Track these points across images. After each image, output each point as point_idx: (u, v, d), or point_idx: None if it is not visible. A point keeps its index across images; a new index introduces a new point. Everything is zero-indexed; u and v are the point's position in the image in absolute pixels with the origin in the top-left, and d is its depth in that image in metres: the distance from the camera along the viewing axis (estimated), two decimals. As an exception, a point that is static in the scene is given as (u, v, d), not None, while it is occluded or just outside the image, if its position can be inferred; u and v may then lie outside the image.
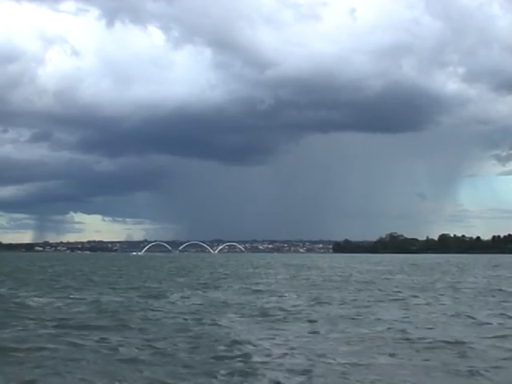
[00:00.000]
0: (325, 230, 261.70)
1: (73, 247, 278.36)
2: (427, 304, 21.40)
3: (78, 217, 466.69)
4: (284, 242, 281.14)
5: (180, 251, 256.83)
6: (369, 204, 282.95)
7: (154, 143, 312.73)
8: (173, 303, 21.70)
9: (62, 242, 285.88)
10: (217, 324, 15.82)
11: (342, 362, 11.04)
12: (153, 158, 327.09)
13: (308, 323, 16.07)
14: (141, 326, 15.38)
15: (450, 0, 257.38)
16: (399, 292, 26.90)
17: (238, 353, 11.81)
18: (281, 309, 19.43)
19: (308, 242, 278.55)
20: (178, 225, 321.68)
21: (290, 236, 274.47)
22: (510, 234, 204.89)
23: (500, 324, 16.07)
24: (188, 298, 23.95)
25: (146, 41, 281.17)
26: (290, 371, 10.33)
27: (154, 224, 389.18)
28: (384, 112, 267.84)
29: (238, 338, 13.44)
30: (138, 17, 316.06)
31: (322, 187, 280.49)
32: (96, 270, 54.92)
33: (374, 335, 13.92)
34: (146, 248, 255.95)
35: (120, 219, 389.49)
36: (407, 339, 13.33)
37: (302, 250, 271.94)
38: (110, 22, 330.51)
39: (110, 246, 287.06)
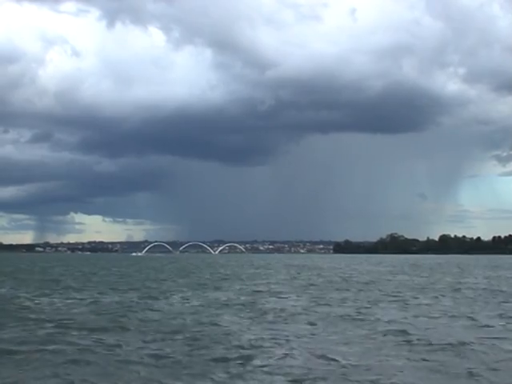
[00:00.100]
0: (325, 230, 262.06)
1: (73, 248, 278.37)
2: (428, 305, 21.39)
3: (79, 217, 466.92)
4: (284, 242, 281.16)
5: (180, 252, 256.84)
6: (369, 204, 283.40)
7: (155, 144, 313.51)
8: (173, 304, 21.68)
9: (62, 243, 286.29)
10: (217, 324, 15.81)
11: (343, 362, 11.02)
12: (153, 158, 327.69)
13: (308, 324, 16.05)
14: (140, 327, 15.36)
15: (450, 0, 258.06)
16: (399, 293, 26.87)
17: (238, 354, 11.79)
18: (281, 309, 19.41)
19: (308, 242, 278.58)
20: (179, 225, 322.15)
21: (291, 236, 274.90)
22: (510, 235, 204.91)
23: (501, 325, 16.03)
24: (188, 298, 23.93)
25: (146, 41, 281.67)
26: (290, 373, 10.32)
27: (155, 225, 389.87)
28: (384, 112, 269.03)
29: (237, 339, 13.43)
30: (139, 17, 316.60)
31: (323, 188, 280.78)
32: (96, 271, 54.91)
33: (374, 336, 13.91)
34: (146, 249, 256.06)
35: (120, 220, 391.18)
36: (407, 341, 13.29)
37: (302, 251, 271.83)
38: (111, 23, 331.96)
39: (110, 246, 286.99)
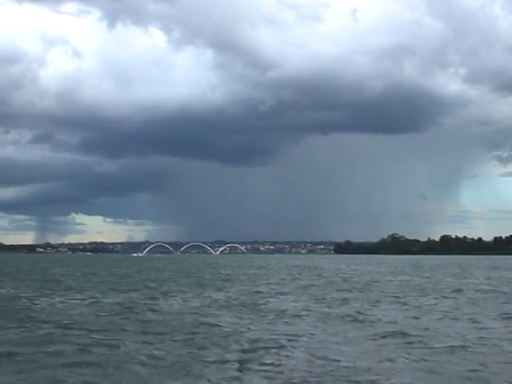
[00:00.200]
0: (326, 230, 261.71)
1: (74, 248, 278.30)
2: (428, 306, 21.36)
3: (80, 218, 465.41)
4: (285, 243, 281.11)
5: (181, 252, 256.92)
6: (370, 205, 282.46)
7: (155, 144, 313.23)
8: (173, 305, 21.67)
9: (63, 243, 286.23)
10: (216, 325, 15.79)
11: (342, 363, 11.01)
12: (154, 159, 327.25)
13: (308, 324, 16.04)
14: (141, 328, 15.35)
15: (451, 1, 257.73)
16: (400, 294, 26.84)
17: (237, 354, 11.77)
18: (281, 310, 19.39)
19: (309, 243, 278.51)
20: (180, 226, 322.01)
21: (292, 237, 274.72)
22: (511, 235, 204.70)
23: (502, 327, 16.01)
24: (188, 299, 23.93)
25: (147, 42, 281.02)
26: (290, 373, 10.30)
27: (156, 225, 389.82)
28: (385, 113, 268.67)
29: (237, 339, 13.42)
30: (140, 18, 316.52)
31: (324, 188, 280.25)
32: (97, 272, 54.92)
33: (374, 337, 13.89)
34: (147, 249, 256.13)
35: (121, 220, 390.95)
36: (408, 342, 13.27)
37: (303, 251, 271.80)
38: (112, 24, 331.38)
39: (111, 247, 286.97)
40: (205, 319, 17.02)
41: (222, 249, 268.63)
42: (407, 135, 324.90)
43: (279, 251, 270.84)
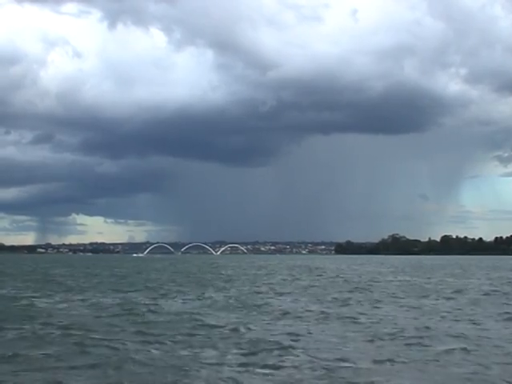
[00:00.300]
0: (327, 231, 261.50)
1: (75, 249, 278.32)
2: (429, 306, 21.33)
3: (80, 218, 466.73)
4: (286, 243, 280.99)
5: (182, 253, 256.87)
6: (371, 205, 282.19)
7: (156, 145, 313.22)
8: (173, 305, 21.66)
9: (64, 244, 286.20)
10: (217, 326, 15.77)
11: (343, 364, 11.00)
12: (154, 159, 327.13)
13: (308, 324, 16.02)
14: (140, 328, 15.32)
15: (451, 1, 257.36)
16: (401, 294, 26.84)
17: (237, 354, 11.76)
18: (281, 310, 19.38)
19: (310, 243, 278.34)
20: (180, 226, 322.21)
21: (292, 237, 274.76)
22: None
23: (504, 328, 15.98)
24: (189, 299, 23.92)
25: (147, 42, 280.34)
26: (289, 372, 10.29)
27: (156, 225, 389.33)
28: (386, 113, 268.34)
29: (237, 339, 13.41)
30: (140, 18, 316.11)
31: (324, 188, 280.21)
32: (98, 272, 54.90)
33: (374, 337, 13.87)
34: (148, 250, 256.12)
35: (122, 221, 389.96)
36: (408, 343, 13.25)
37: (304, 252, 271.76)
38: (112, 24, 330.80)
39: (112, 247, 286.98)
40: (205, 320, 17.00)
41: (222, 249, 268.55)
42: (408, 135, 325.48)
43: (280, 251, 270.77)
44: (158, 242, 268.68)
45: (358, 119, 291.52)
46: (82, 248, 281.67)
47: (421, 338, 13.81)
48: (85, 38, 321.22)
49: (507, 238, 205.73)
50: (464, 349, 12.47)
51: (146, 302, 22.44)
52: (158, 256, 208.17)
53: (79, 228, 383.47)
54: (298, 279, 41.24)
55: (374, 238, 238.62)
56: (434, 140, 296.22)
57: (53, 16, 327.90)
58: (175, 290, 29.56)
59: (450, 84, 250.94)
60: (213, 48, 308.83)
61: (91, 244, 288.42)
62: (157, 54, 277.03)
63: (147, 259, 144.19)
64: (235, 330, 15.11)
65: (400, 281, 38.78)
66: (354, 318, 17.39)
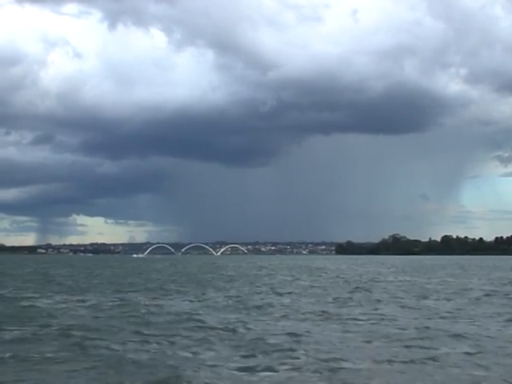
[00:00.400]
0: (327, 231, 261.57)
1: (75, 249, 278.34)
2: (429, 307, 21.32)
3: (81, 219, 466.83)
4: (287, 243, 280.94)
5: (182, 253, 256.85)
6: (371, 205, 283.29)
7: (156, 145, 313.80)
8: (173, 305, 21.65)
9: (64, 245, 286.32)
10: (217, 326, 15.75)
11: (343, 364, 10.99)
12: (155, 160, 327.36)
13: (308, 324, 16.01)
14: (140, 329, 15.31)
15: (452, 1, 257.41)
16: (401, 294, 26.83)
17: (237, 355, 11.75)
18: (282, 310, 19.38)
19: (310, 243, 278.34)
20: (181, 227, 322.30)
21: (293, 238, 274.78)
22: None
23: (505, 328, 15.95)
24: (188, 300, 23.91)
25: (148, 43, 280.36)
26: (289, 372, 10.28)
27: (157, 226, 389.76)
28: (386, 113, 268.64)
29: (237, 339, 13.40)
30: (140, 19, 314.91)
31: (325, 189, 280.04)
32: (98, 273, 54.92)
33: (375, 337, 13.85)
34: (148, 250, 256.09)
35: (122, 221, 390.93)
36: (408, 343, 13.23)
37: (304, 252, 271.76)
38: (112, 25, 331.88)
39: (112, 248, 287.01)
40: (205, 320, 16.98)
41: (223, 250, 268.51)
42: (408, 135, 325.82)
43: (280, 252, 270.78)
44: (158, 243, 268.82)
45: (358, 119, 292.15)
46: (82, 248, 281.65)
47: (421, 338, 13.79)
48: (85, 38, 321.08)
49: (507, 238, 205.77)
50: (464, 349, 12.45)
51: (146, 303, 22.43)
52: (159, 256, 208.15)
53: (80, 228, 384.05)
54: (298, 279, 41.22)
55: (375, 238, 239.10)
56: (435, 140, 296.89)
57: (53, 16, 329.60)
58: (175, 290, 29.55)
59: (450, 84, 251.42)
60: (213, 48, 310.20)
61: (92, 244, 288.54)
62: (157, 55, 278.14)
63: (147, 260, 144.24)
64: (235, 330, 15.10)
65: (400, 281, 38.76)
66: (355, 319, 17.36)
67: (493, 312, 19.32)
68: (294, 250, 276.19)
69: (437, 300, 23.88)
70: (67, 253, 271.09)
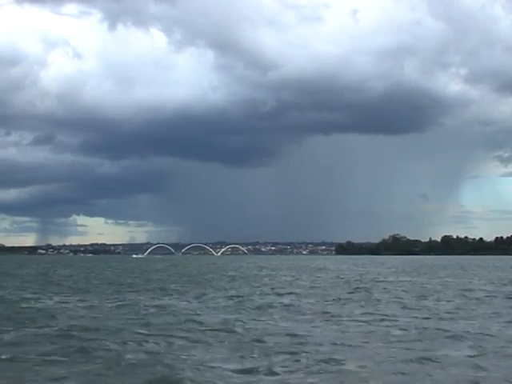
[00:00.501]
0: (327, 231, 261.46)
1: (76, 250, 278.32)
2: (430, 307, 21.31)
3: (81, 219, 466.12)
4: (287, 243, 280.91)
5: (183, 253, 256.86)
6: (371, 205, 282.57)
7: (156, 145, 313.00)
8: (173, 305, 21.63)
9: (64, 245, 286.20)
10: (217, 326, 15.74)
11: (343, 365, 10.97)
12: (155, 160, 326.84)
13: (308, 325, 16.00)
14: (140, 329, 15.31)
15: (452, 1, 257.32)
16: (402, 294, 26.81)
17: (237, 354, 11.74)
18: (282, 310, 19.36)
19: (311, 243, 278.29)
20: (181, 227, 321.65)
21: (293, 238, 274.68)
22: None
23: (506, 328, 15.93)
24: (189, 300, 23.91)
25: (148, 43, 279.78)
26: (288, 372, 10.26)
27: (157, 226, 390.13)
28: (386, 113, 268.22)
29: (237, 339, 13.39)
30: (140, 19, 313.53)
31: (325, 189, 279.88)
32: (98, 273, 54.93)
33: (375, 337, 13.84)
34: (148, 250, 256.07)
35: (122, 222, 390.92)
36: (408, 344, 13.22)
37: (304, 252, 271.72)
38: (112, 25, 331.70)
39: (112, 248, 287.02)
40: (205, 320, 16.98)
41: (223, 250, 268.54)
42: (408, 135, 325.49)
43: (281, 252, 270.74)
44: (158, 243, 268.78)
45: (358, 119, 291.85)
46: (82, 249, 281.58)
47: (421, 339, 13.77)
48: (85, 38, 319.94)
49: (508, 238, 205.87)
50: (465, 350, 12.44)
51: (146, 303, 22.41)
52: (159, 257, 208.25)
53: (80, 229, 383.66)
54: (298, 280, 41.21)
55: (375, 238, 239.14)
56: (435, 140, 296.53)
57: (53, 17, 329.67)
58: (175, 290, 29.54)
59: (451, 84, 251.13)
60: (213, 48, 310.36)
61: (92, 245, 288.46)
62: (157, 55, 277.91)
63: (148, 260, 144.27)
64: (235, 330, 15.09)
65: (401, 281, 38.75)
66: (355, 319, 17.35)
67: (493, 312, 19.30)
68: (294, 250, 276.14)
69: (437, 300, 23.87)
70: (67, 253, 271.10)
